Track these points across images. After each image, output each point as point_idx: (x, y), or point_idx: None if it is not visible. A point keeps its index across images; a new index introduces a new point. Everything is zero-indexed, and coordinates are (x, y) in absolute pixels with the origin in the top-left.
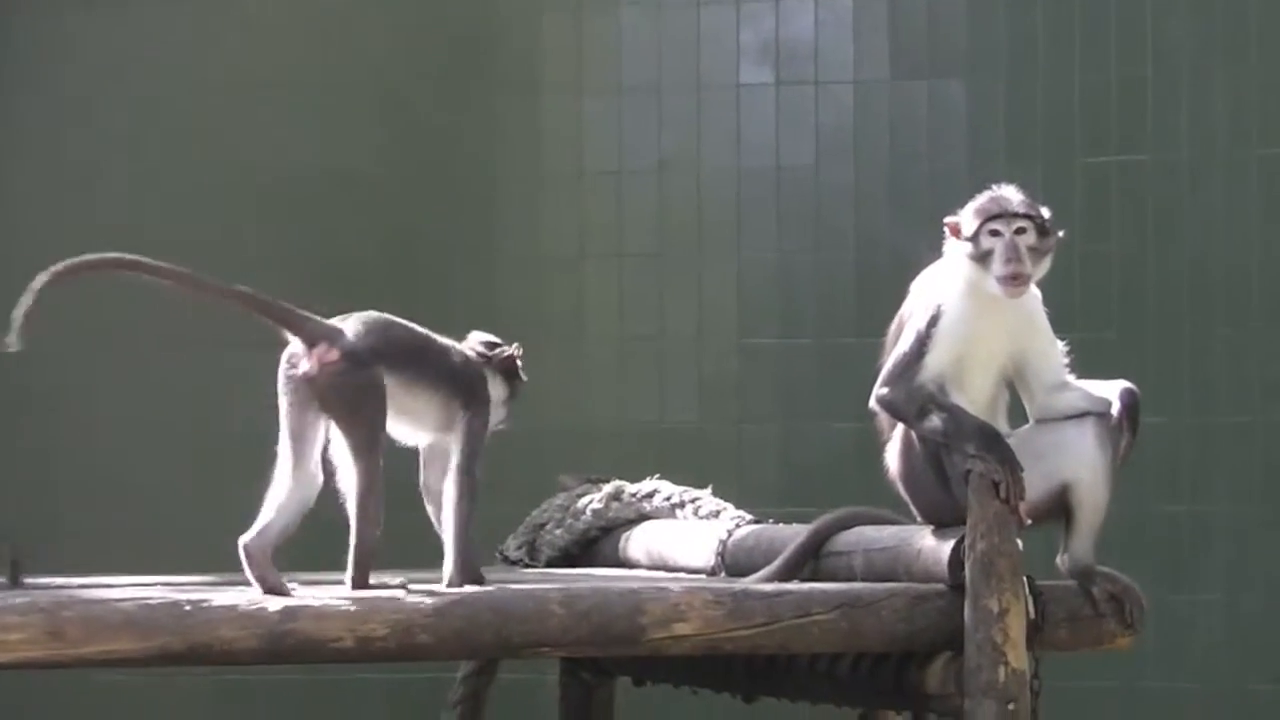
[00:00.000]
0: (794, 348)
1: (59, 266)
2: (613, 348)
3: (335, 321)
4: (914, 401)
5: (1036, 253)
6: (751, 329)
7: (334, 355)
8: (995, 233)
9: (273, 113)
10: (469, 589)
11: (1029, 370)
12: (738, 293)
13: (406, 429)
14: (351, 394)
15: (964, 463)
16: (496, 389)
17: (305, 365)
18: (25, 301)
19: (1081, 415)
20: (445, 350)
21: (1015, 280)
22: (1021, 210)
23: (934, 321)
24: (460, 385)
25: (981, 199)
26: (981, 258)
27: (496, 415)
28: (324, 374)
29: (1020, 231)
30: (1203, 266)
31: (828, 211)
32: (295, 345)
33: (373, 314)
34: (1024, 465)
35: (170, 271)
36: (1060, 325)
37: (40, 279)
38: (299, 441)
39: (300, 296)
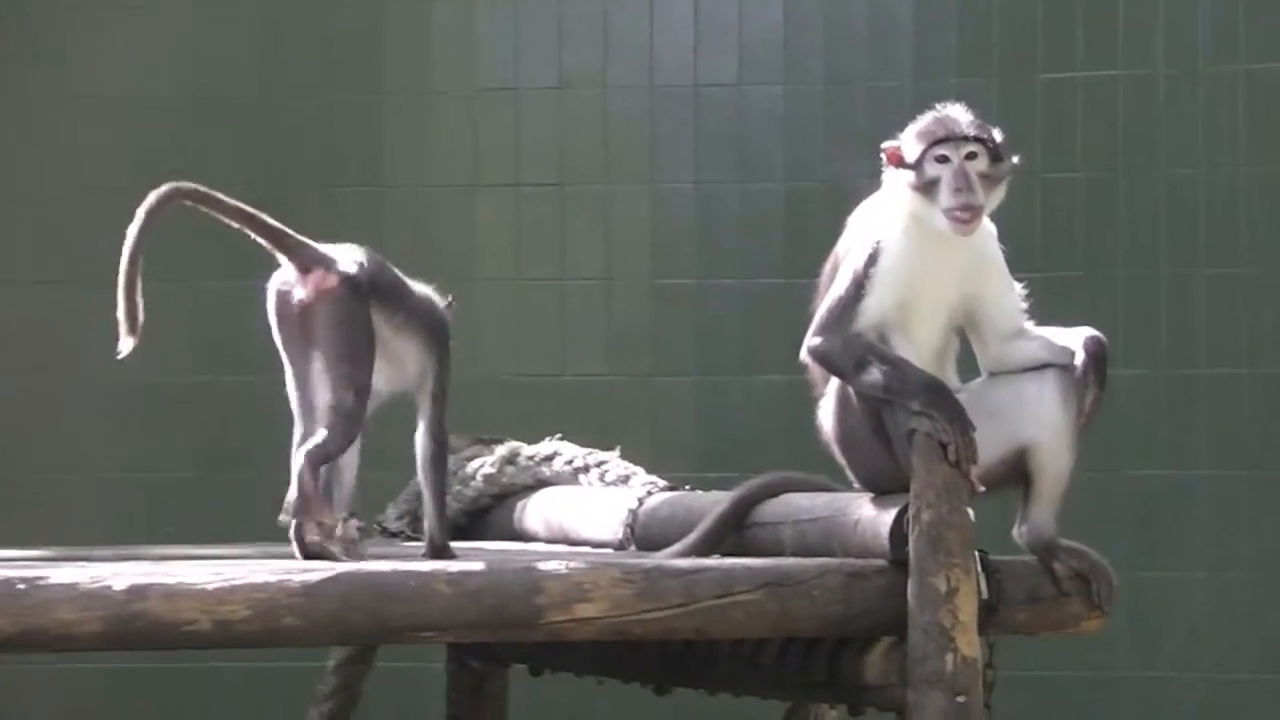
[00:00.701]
0: (715, 290)
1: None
2: (508, 289)
3: (327, 250)
4: (851, 352)
5: (989, 181)
6: (666, 269)
7: (332, 281)
8: (942, 159)
9: (144, 32)
10: (346, 565)
11: (982, 316)
12: (650, 228)
13: (384, 376)
14: (347, 326)
15: (908, 421)
16: None
17: (300, 292)
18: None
19: (1042, 367)
20: (422, 295)
21: (965, 213)
22: (972, 133)
23: (873, 261)
24: (434, 333)
25: (926, 120)
26: (926, 188)
27: None
28: (320, 301)
29: (971, 157)
30: (1182, 197)
31: (753, 136)
32: (287, 273)
33: (357, 247)
34: (976, 424)
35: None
36: (1018, 264)
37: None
38: (308, 385)
39: (171, 223)
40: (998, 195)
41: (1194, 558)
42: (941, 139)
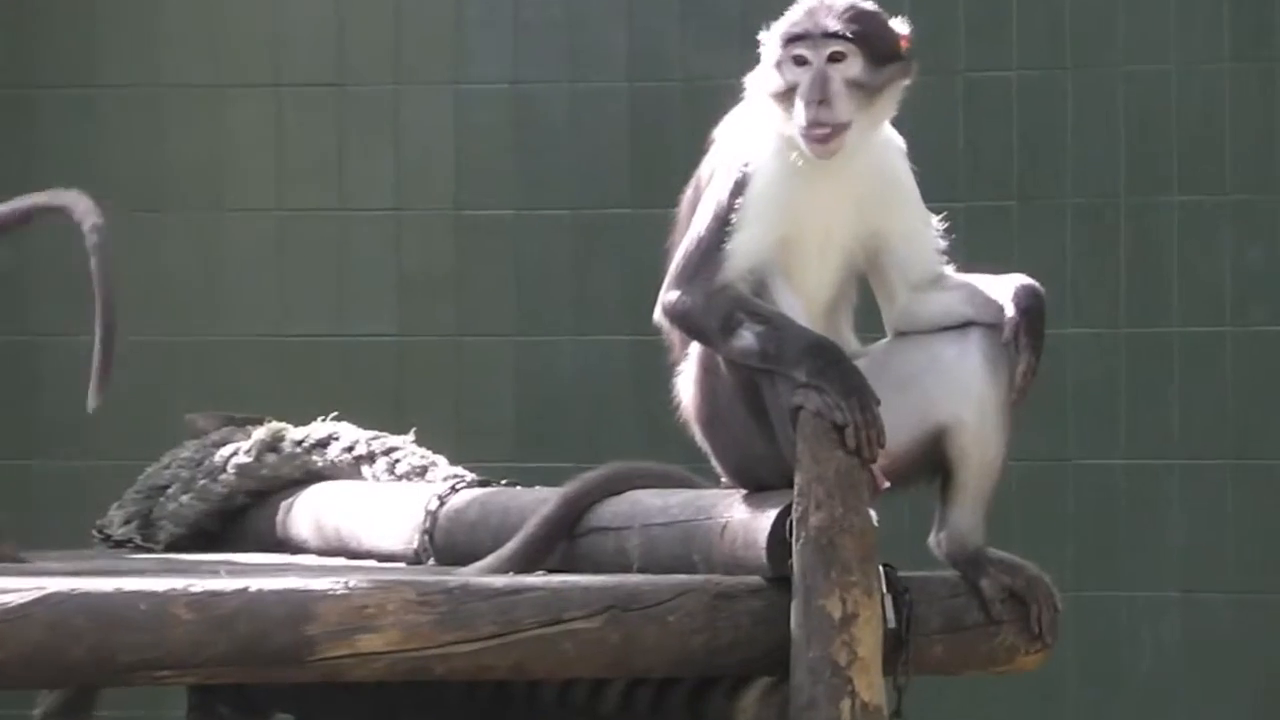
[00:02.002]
0: (539, 223)
1: None
2: (268, 222)
3: None
4: (717, 309)
5: (864, 90)
6: (475, 195)
7: None
8: (800, 60)
9: None
10: (55, 582)
11: (887, 259)
12: (454, 141)
13: None
14: None
15: (791, 396)
16: None
17: None
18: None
19: (964, 326)
20: None
21: (818, 132)
22: (834, 27)
23: (741, 189)
24: None
25: (792, 10)
26: (784, 97)
27: None
28: None
29: (836, 59)
30: (1146, 101)
31: (587, 23)
32: None
33: None
34: (881, 399)
35: None
36: (935, 191)
37: None
38: None
39: None
40: (882, 108)
41: (1163, 572)
42: (798, 36)
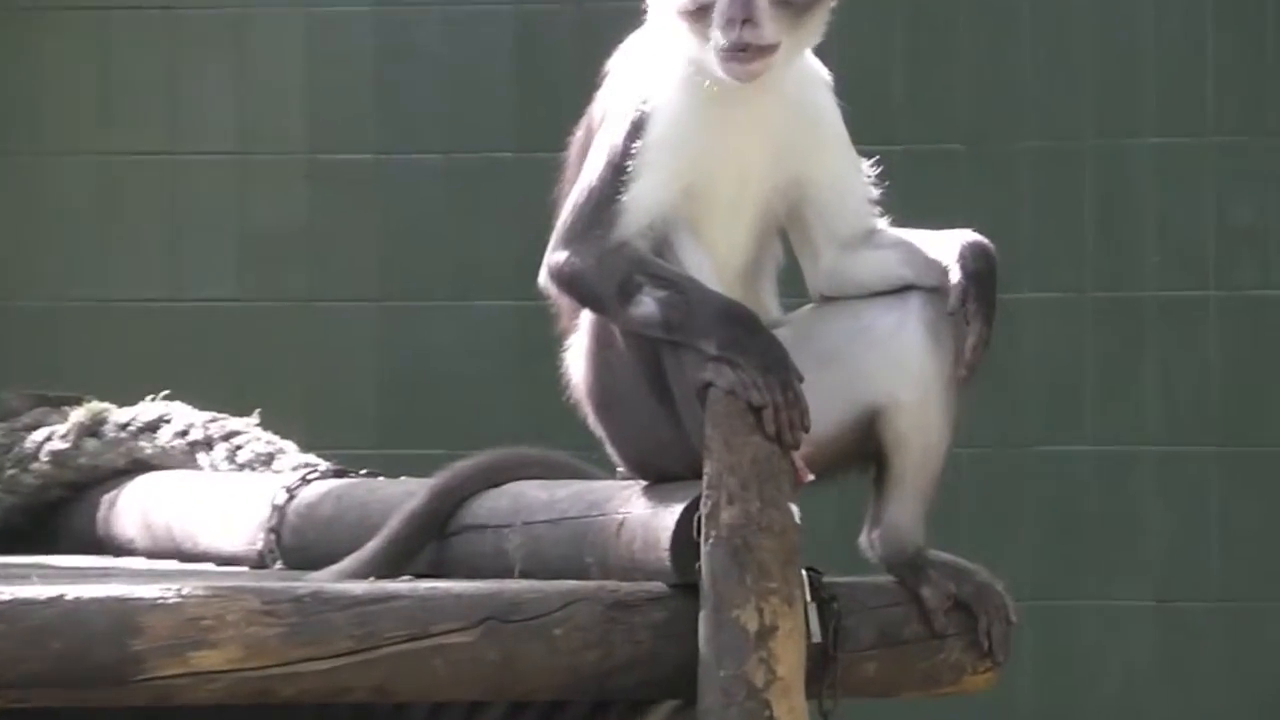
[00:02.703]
0: (405, 169)
1: None
2: (85, 167)
3: None
4: (613, 271)
5: (790, 9)
6: (330, 137)
7: None
8: None
9: None
10: None
11: (812, 211)
12: (307, 74)
13: None
14: None
15: (700, 372)
16: None
17: None
18: None
19: (901, 290)
20: None
21: (741, 55)
22: None
23: (639, 129)
24: None
25: None
26: (697, 17)
27: None
28: None
29: None
30: (1117, 32)
31: None
32: None
33: None
34: (805, 375)
35: None
36: (868, 131)
37: None
38: None
39: None
40: (808, 31)
41: (1137, 578)
42: None
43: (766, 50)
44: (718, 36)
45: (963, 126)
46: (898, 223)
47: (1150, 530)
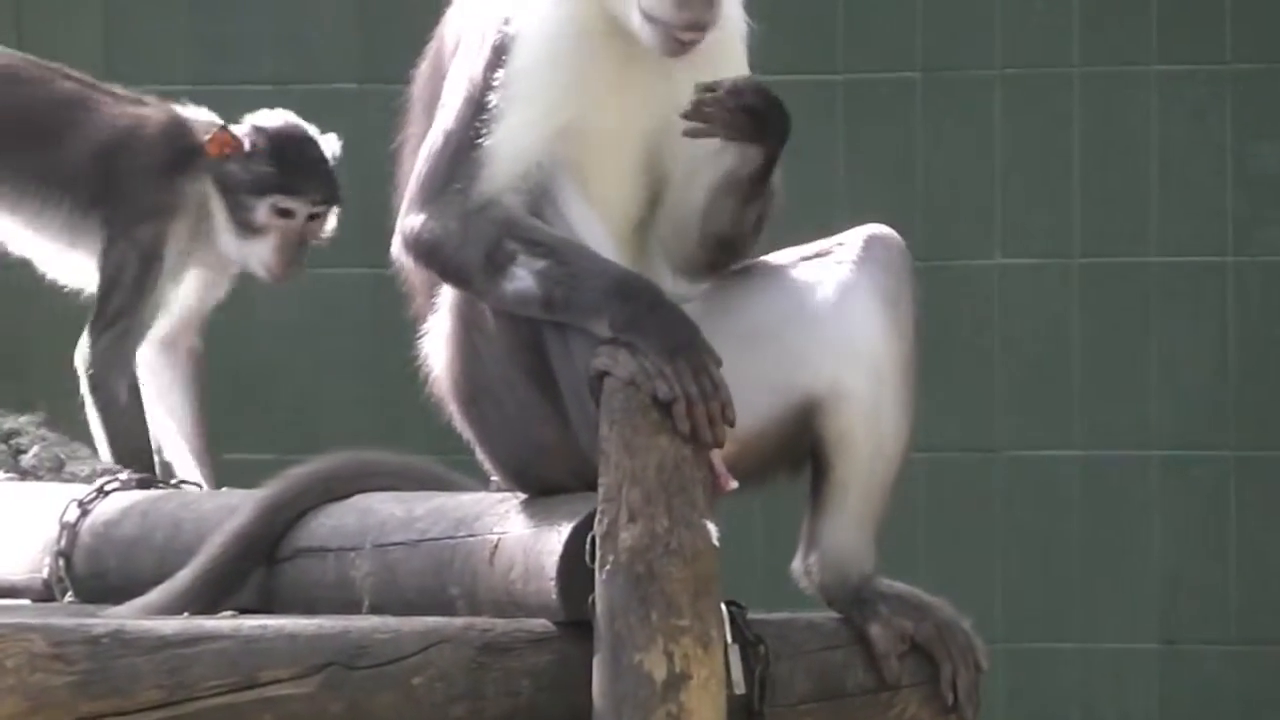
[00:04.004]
0: (228, 102)
1: None
2: None
3: None
4: (479, 237)
5: None
6: (135, 66)
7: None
8: None
9: None
10: None
11: (726, 159)
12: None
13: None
14: None
15: (592, 359)
16: (200, 198)
17: None
18: None
19: (840, 246)
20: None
21: (687, 35)
22: None
23: (501, 56)
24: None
25: None
26: None
27: (193, 251)
28: None
29: None
30: None
31: None
32: None
33: None
34: (723, 359)
35: None
36: (802, 59)
37: None
38: None
39: None
40: None
41: (1136, 615)
42: None
43: (710, 26)
44: (662, 6)
45: (918, 51)
46: (836, 168)
47: (1153, 555)
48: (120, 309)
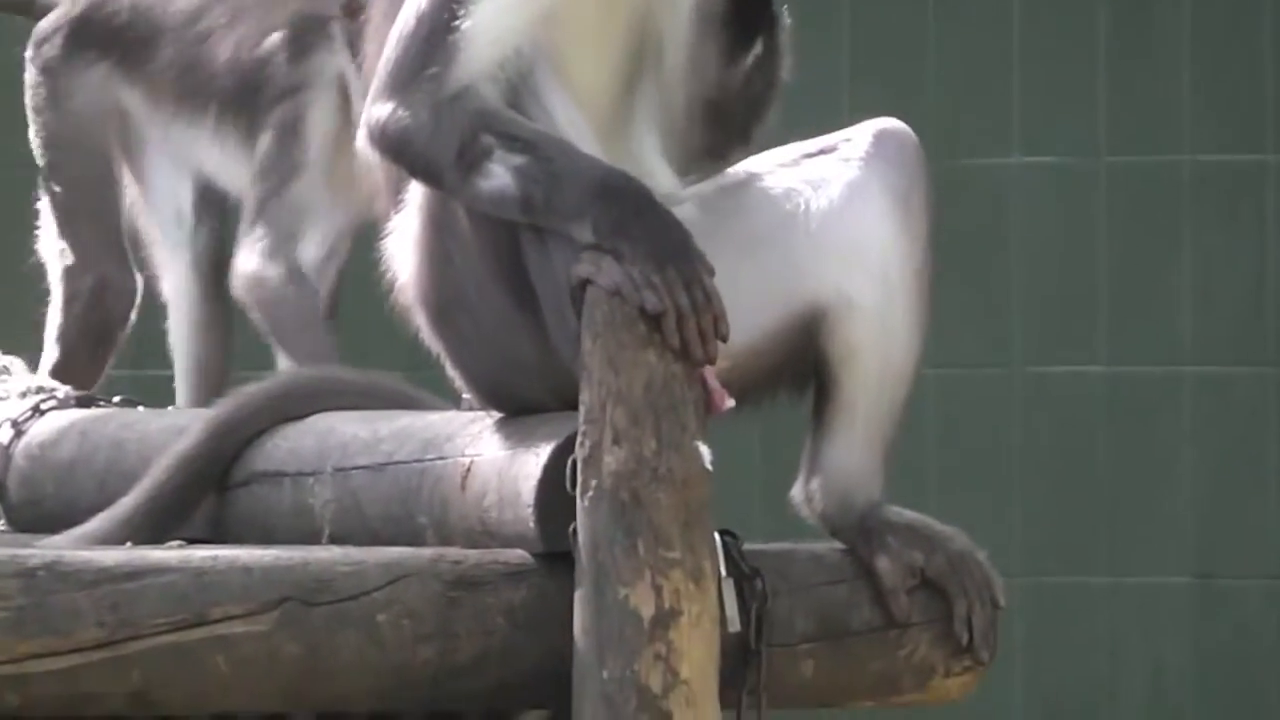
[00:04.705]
0: None
1: None
2: None
3: None
4: (452, 129)
5: None
6: None
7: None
8: None
9: None
10: None
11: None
12: None
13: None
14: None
15: (574, 266)
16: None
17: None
18: None
19: (847, 142)
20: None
21: None
22: None
23: None
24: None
25: None
26: None
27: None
28: None
29: None
30: None
31: None
32: None
33: None
34: (718, 268)
35: None
36: None
37: None
38: None
39: None
40: None
41: (1166, 546)
42: None
43: None
44: None
45: None
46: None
47: (1186, 481)
48: (265, 198)
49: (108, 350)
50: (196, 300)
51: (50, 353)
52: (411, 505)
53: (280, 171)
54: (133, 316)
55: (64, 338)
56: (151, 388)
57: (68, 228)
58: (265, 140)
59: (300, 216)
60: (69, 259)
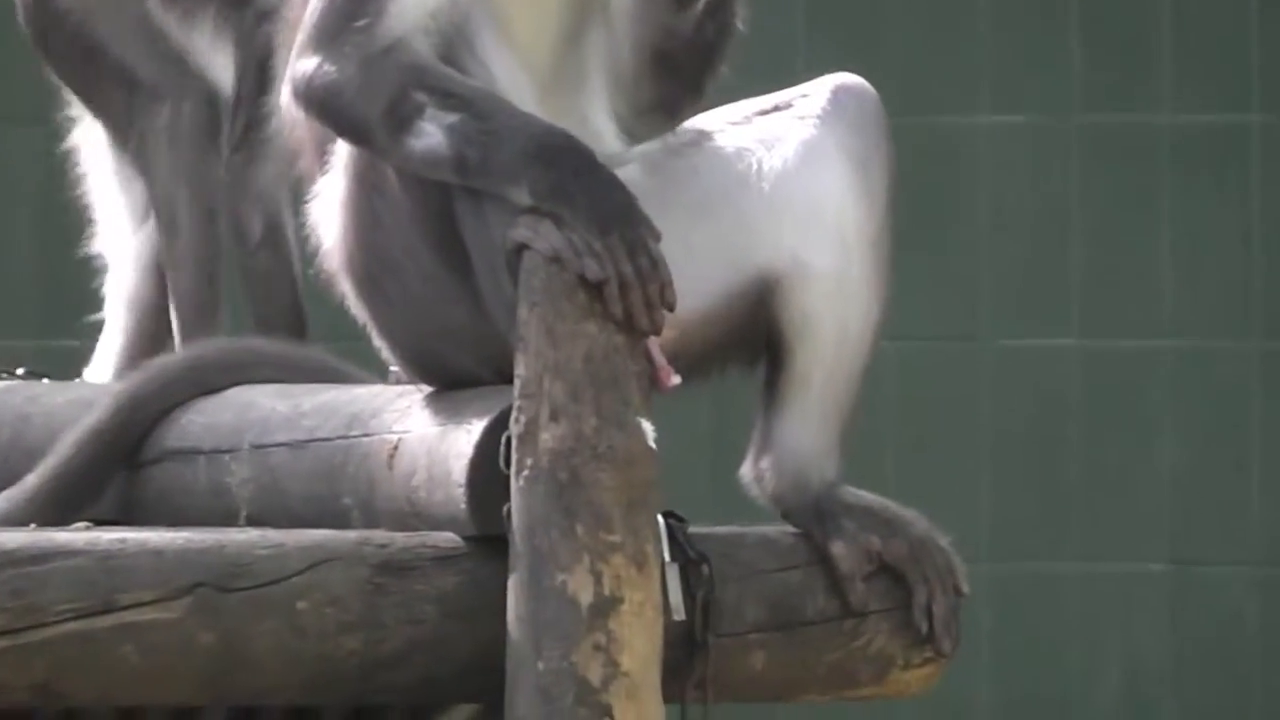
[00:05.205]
0: None
1: None
2: None
3: None
4: (381, 85)
5: None
6: None
7: None
8: None
9: None
10: None
11: None
12: None
13: None
14: None
15: (510, 231)
16: None
17: None
18: None
19: (803, 98)
20: None
21: None
22: None
23: None
24: None
25: None
26: None
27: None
28: None
29: None
30: None
31: None
32: None
33: None
34: (664, 232)
35: None
36: None
37: None
38: None
39: None
40: None
41: (1143, 532)
42: None
43: None
44: None
45: None
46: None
47: (1164, 462)
48: (243, 130)
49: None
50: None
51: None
52: (335, 485)
53: (256, 103)
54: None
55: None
56: (58, 359)
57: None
58: (244, 63)
59: (277, 159)
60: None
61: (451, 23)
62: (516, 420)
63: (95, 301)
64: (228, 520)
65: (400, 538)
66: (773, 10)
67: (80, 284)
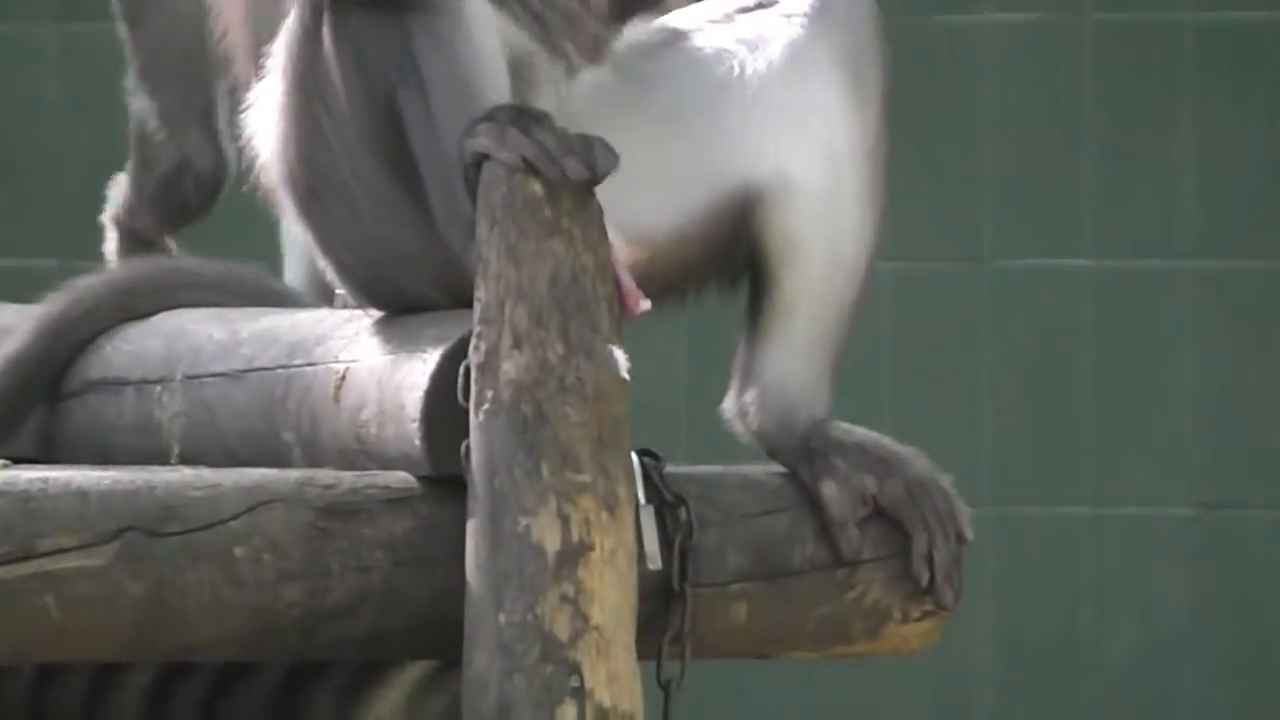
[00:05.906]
0: None
1: None
2: None
3: None
4: None
5: None
6: None
7: None
8: None
9: None
10: None
11: None
12: None
13: None
14: None
15: (467, 140)
16: None
17: None
18: None
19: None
20: None
21: None
22: None
23: None
24: None
25: None
26: None
27: None
28: None
29: None
30: None
31: None
32: None
33: None
34: (639, 142)
35: None
36: None
37: None
38: None
39: None
40: None
41: (1166, 472)
42: None
43: None
44: None
45: None
46: None
47: (1184, 395)
48: None
49: (177, 229)
50: None
51: (121, 205)
52: (275, 420)
53: None
54: (218, 199)
55: (136, 197)
56: None
57: (151, 88)
58: None
59: None
60: (153, 121)
61: None
62: (476, 349)
63: (16, 218)
64: (158, 458)
65: (347, 477)
66: None
67: (10, 192)
